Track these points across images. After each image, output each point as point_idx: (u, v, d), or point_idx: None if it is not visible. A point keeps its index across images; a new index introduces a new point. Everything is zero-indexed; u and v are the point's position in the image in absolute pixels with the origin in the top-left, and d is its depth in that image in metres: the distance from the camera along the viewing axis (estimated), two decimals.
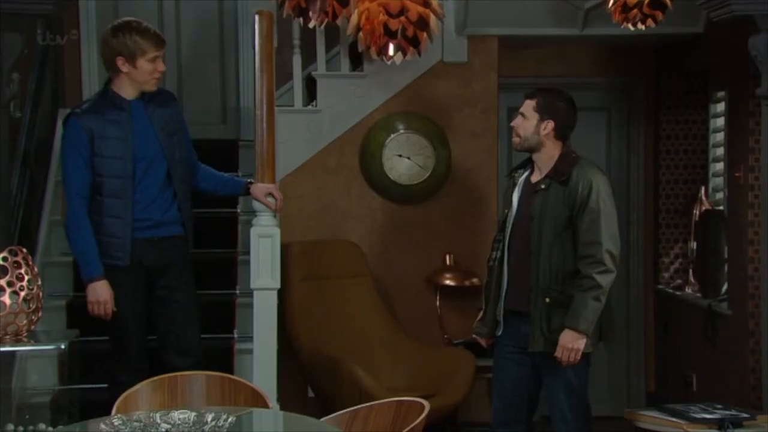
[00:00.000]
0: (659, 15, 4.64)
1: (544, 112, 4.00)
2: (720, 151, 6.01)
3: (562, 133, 4.03)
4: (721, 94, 5.93)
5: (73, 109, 4.16)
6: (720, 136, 6.01)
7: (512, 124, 4.08)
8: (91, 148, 4.03)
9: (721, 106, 5.96)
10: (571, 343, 3.88)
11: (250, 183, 4.39)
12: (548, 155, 4.02)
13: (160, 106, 4.19)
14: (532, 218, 3.95)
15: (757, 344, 4.94)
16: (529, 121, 4.01)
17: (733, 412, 4.32)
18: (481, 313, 4.20)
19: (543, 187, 3.97)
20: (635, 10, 4.63)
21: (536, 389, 4.12)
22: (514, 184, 4.11)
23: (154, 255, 4.14)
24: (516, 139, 4.05)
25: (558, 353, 3.90)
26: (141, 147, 4.09)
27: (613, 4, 4.72)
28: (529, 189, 4.03)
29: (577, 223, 3.91)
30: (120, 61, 4.06)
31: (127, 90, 4.12)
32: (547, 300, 3.93)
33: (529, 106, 4.03)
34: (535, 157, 4.04)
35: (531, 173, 4.08)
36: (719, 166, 6.03)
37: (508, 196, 4.15)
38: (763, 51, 4.35)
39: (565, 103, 4.06)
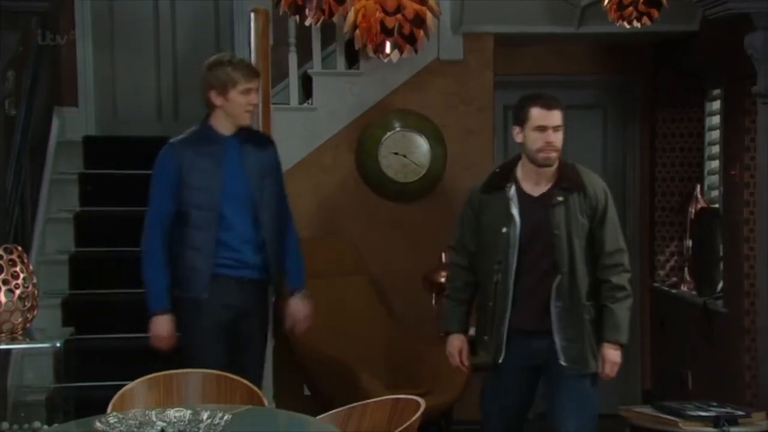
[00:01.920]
0: (655, 13, 4.65)
1: (564, 120, 3.82)
2: (716, 149, 6.01)
3: None
4: (717, 92, 5.94)
5: (172, 139, 4.07)
6: (716, 134, 6.02)
7: (550, 140, 3.72)
8: (180, 178, 3.92)
9: (716, 104, 5.97)
10: (618, 358, 3.77)
11: (295, 291, 4.18)
12: (555, 165, 3.80)
13: (256, 147, 4.06)
14: (556, 234, 3.70)
15: (752, 342, 4.95)
16: (561, 132, 3.77)
17: (729, 410, 4.32)
18: (483, 339, 3.87)
19: (561, 199, 3.73)
20: (631, 8, 4.63)
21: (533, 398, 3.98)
22: (507, 199, 3.78)
23: (235, 295, 3.97)
24: (554, 155, 3.74)
25: (608, 370, 3.76)
26: (230, 183, 3.96)
27: (609, 2, 4.72)
28: (538, 203, 3.76)
29: (598, 233, 3.77)
30: (213, 95, 3.96)
31: (222, 125, 4.01)
32: (587, 317, 3.74)
33: (560, 116, 3.77)
34: (546, 169, 3.77)
35: (516, 185, 3.79)
36: (715, 164, 6.04)
37: (498, 212, 3.78)
38: (760, 49, 4.35)
39: None
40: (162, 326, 3.93)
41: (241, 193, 3.98)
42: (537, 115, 3.71)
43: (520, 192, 3.76)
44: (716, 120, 6.00)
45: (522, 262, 3.74)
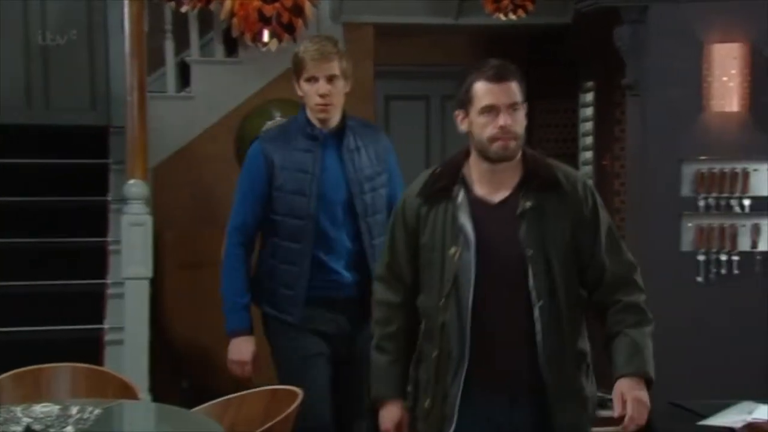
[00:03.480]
0: (529, 5, 4.75)
1: (524, 95, 2.67)
2: (589, 140, 6.18)
3: None
4: (589, 83, 6.10)
5: (262, 132, 3.57)
6: (589, 126, 6.18)
7: (504, 123, 2.60)
8: (270, 181, 3.34)
9: (590, 96, 6.13)
10: (646, 396, 2.64)
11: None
12: (517, 159, 2.67)
13: (363, 143, 3.39)
14: (529, 255, 2.62)
15: None
16: (522, 112, 2.65)
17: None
18: (423, 406, 2.76)
19: (530, 205, 2.63)
20: (507, 1, 4.73)
21: None
22: (455, 208, 2.69)
23: (332, 318, 3.39)
24: (513, 143, 2.63)
25: (633, 412, 2.60)
26: (329, 187, 3.33)
27: None
28: (499, 213, 2.67)
29: (588, 246, 2.68)
30: (294, 81, 3.39)
31: (314, 118, 3.38)
32: (584, 367, 2.74)
33: (516, 90, 2.64)
34: (504, 165, 2.66)
35: (465, 188, 2.70)
36: (589, 154, 6.21)
37: (443, 226, 2.70)
38: (627, 42, 4.49)
39: None
40: (240, 349, 3.40)
41: (340, 199, 3.35)
42: (483, 91, 2.63)
43: (473, 198, 2.68)
44: (590, 111, 6.16)
45: (480, 294, 2.64)
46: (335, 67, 3.30)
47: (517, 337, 2.65)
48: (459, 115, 2.70)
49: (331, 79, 3.30)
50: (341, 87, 3.34)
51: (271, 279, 3.39)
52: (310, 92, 3.30)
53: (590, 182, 2.78)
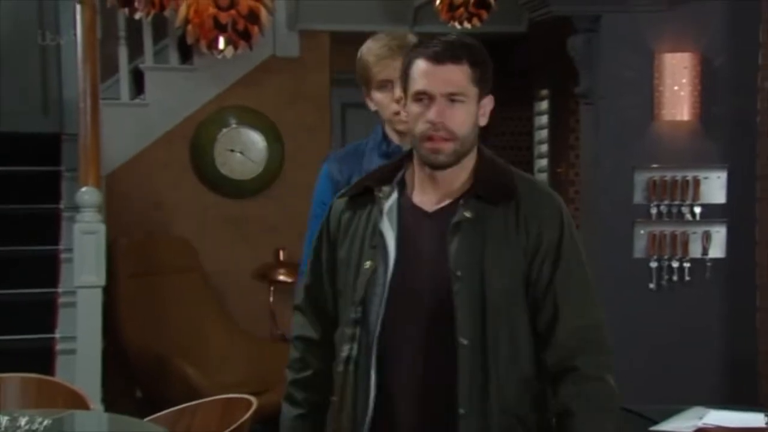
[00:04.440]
0: (484, 14, 4.79)
1: (486, 83, 2.11)
2: (544, 148, 6.24)
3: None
4: (544, 92, 6.16)
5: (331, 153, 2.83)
6: (544, 134, 6.25)
7: (434, 118, 2.05)
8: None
9: (545, 104, 6.20)
10: None
11: None
12: (470, 162, 2.13)
13: None
14: (457, 275, 2.05)
15: None
16: (468, 106, 2.08)
17: None
18: None
19: (468, 216, 2.07)
20: (461, 9, 4.76)
21: None
22: (379, 212, 2.13)
23: None
24: (446, 146, 2.06)
25: None
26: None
27: (441, 2, 4.83)
28: (431, 223, 2.11)
29: (542, 286, 2.09)
30: (363, 94, 2.72)
31: (395, 134, 2.65)
32: None
33: (461, 75, 2.07)
34: (448, 171, 2.11)
35: (402, 191, 2.16)
36: (544, 162, 6.27)
37: (362, 234, 2.15)
38: (581, 51, 4.54)
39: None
40: None
41: None
42: (420, 72, 2.08)
43: (406, 204, 2.14)
44: (545, 119, 6.22)
45: (390, 326, 2.08)
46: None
47: (431, 389, 2.05)
48: (402, 99, 2.19)
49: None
50: None
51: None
52: (384, 101, 2.60)
53: (566, 209, 2.13)
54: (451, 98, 2.05)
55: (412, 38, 2.59)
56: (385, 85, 2.61)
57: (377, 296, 2.08)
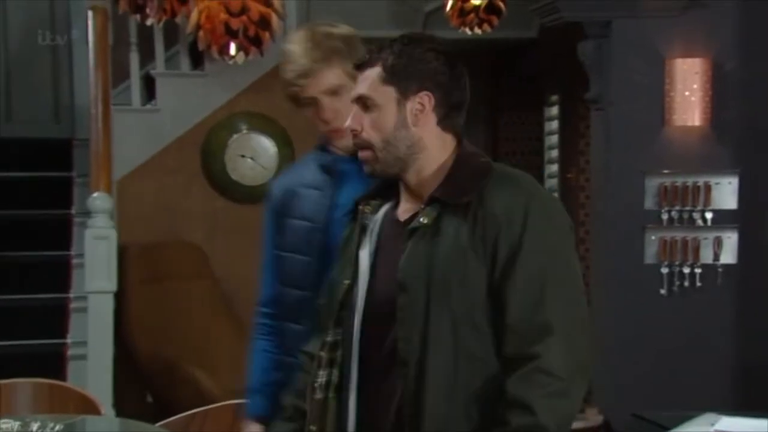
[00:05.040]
0: (494, 20, 4.78)
1: (407, 80, 1.93)
2: (555, 153, 6.23)
3: (448, 117, 1.98)
4: (554, 97, 6.15)
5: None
6: (554, 139, 6.23)
7: (349, 124, 1.98)
8: (276, 225, 2.38)
9: (555, 110, 6.19)
10: None
11: None
12: (431, 165, 1.97)
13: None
14: (403, 287, 1.90)
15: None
16: (384, 111, 1.94)
17: None
18: None
19: (424, 221, 1.92)
20: (472, 15, 4.75)
21: None
22: (361, 228, 2.03)
23: None
24: (365, 155, 1.97)
25: None
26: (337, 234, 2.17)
27: (451, 8, 4.82)
28: (399, 233, 1.96)
29: (502, 296, 1.86)
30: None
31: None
32: None
33: (371, 79, 1.95)
34: (409, 176, 1.98)
35: (395, 205, 2.03)
36: (554, 167, 6.25)
37: (347, 250, 2.04)
38: (591, 57, 4.54)
39: (441, 56, 1.97)
40: None
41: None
42: None
43: (388, 215, 2.03)
44: (555, 125, 6.21)
45: (365, 347, 1.96)
46: (334, 75, 2.26)
47: (397, 414, 1.88)
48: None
49: (334, 92, 2.26)
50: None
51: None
52: (312, 117, 2.31)
53: (536, 206, 1.88)
54: (364, 103, 1.95)
55: (338, 30, 2.36)
56: (309, 102, 2.29)
57: (351, 317, 1.96)
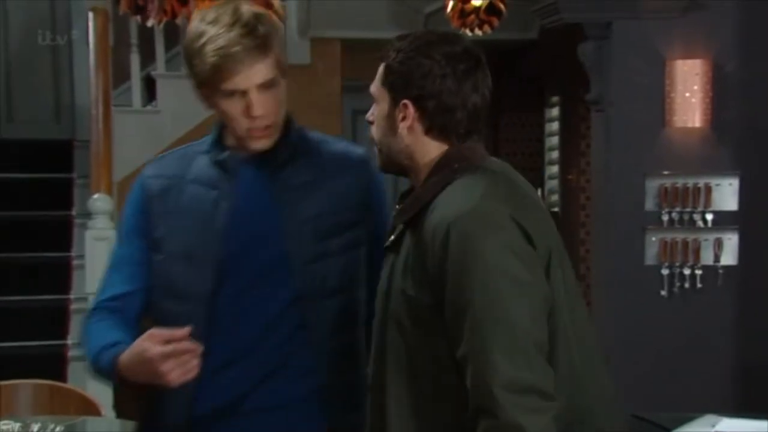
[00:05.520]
0: (495, 21, 4.78)
1: (398, 86, 1.85)
2: (555, 155, 6.23)
3: (444, 127, 1.84)
4: (555, 98, 6.16)
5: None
6: (555, 140, 6.24)
7: (368, 114, 1.92)
8: (147, 221, 2.07)
9: (555, 111, 6.19)
10: None
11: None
12: (422, 172, 1.87)
13: (322, 175, 2.05)
14: (375, 311, 1.90)
15: None
16: (381, 111, 1.89)
17: None
18: None
19: (392, 238, 1.87)
20: (472, 16, 4.75)
21: None
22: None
23: None
24: (374, 150, 1.93)
25: None
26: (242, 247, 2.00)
27: (452, 9, 4.83)
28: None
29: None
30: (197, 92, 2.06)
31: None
32: None
33: (378, 75, 1.90)
34: (412, 180, 1.91)
35: None
36: (555, 168, 6.26)
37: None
38: (592, 58, 4.53)
39: (437, 62, 1.82)
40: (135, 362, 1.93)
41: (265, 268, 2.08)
42: None
43: None
44: (556, 126, 6.22)
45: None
46: (268, 66, 1.94)
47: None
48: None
49: (266, 86, 1.95)
50: (282, 90, 1.98)
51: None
52: (234, 111, 1.95)
53: (462, 229, 1.70)
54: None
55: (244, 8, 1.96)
56: (234, 93, 1.94)
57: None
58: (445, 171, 1.81)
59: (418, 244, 1.75)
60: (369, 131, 1.91)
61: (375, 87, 1.88)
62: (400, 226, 1.83)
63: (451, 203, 1.75)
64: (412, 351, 1.75)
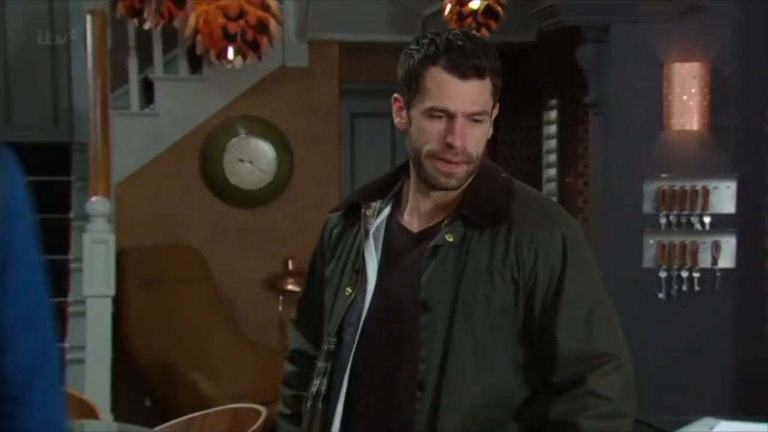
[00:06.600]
0: (493, 24, 4.79)
1: (498, 95, 1.85)
2: (553, 157, 6.24)
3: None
4: (553, 101, 6.16)
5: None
6: (553, 143, 6.24)
7: (460, 144, 1.80)
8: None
9: (553, 114, 6.19)
10: None
11: None
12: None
13: None
14: (426, 307, 1.82)
15: None
16: (484, 127, 1.84)
17: None
18: None
19: (449, 239, 1.83)
20: (470, 19, 4.76)
21: None
22: (365, 231, 1.92)
23: None
24: (461, 171, 1.83)
25: None
26: None
27: (450, 12, 4.83)
28: (413, 246, 1.87)
29: (549, 331, 1.81)
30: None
31: None
32: None
33: (482, 89, 1.82)
34: (442, 193, 1.87)
35: (394, 210, 1.94)
36: (552, 171, 6.26)
37: (347, 256, 1.94)
38: (590, 60, 4.54)
39: (415, 57, 1.85)
40: None
41: None
42: (438, 84, 1.80)
43: (395, 221, 1.92)
44: (554, 129, 6.22)
45: (362, 361, 1.88)
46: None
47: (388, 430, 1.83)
48: (398, 101, 1.86)
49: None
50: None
51: None
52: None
53: (572, 235, 1.83)
54: (474, 118, 1.80)
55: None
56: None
57: (352, 327, 1.87)
58: (497, 179, 1.89)
59: (513, 245, 1.80)
60: (407, 144, 1.86)
61: (483, 105, 1.81)
62: (459, 228, 1.82)
63: (546, 211, 1.87)
64: (477, 347, 1.80)
